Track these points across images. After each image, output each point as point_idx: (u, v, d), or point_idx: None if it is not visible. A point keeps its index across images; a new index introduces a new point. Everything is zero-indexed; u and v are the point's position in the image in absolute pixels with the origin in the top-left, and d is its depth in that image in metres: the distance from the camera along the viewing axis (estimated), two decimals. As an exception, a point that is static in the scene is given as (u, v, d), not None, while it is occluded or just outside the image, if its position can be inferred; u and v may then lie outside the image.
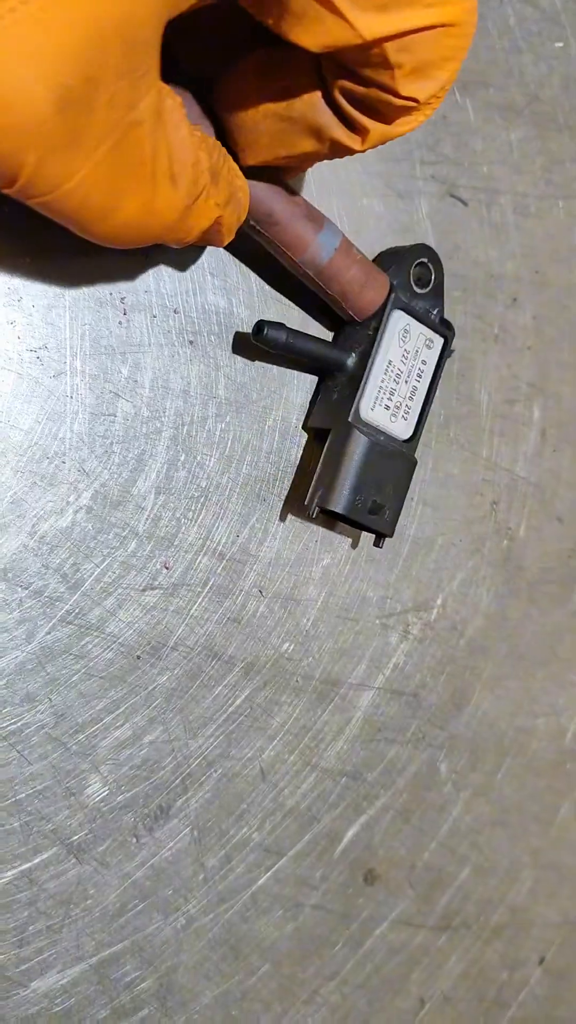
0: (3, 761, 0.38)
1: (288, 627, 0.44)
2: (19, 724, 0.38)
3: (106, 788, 0.40)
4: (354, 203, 0.44)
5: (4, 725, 0.38)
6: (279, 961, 0.45)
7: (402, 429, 0.43)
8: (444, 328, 0.43)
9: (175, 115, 0.28)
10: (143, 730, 0.41)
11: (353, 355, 0.42)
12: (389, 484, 0.42)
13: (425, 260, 0.43)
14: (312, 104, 0.32)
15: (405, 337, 0.42)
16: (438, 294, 0.43)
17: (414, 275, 0.43)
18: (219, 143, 0.32)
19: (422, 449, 0.47)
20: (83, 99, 0.24)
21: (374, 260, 0.44)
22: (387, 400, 0.42)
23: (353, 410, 0.41)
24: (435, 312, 0.43)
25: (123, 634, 0.40)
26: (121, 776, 0.41)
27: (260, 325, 0.40)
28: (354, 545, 0.45)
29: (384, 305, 0.41)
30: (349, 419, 0.41)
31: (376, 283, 0.41)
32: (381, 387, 0.42)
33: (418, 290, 0.43)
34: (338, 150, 0.33)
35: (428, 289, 0.43)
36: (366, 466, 0.41)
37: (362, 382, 0.41)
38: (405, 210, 0.45)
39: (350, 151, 0.33)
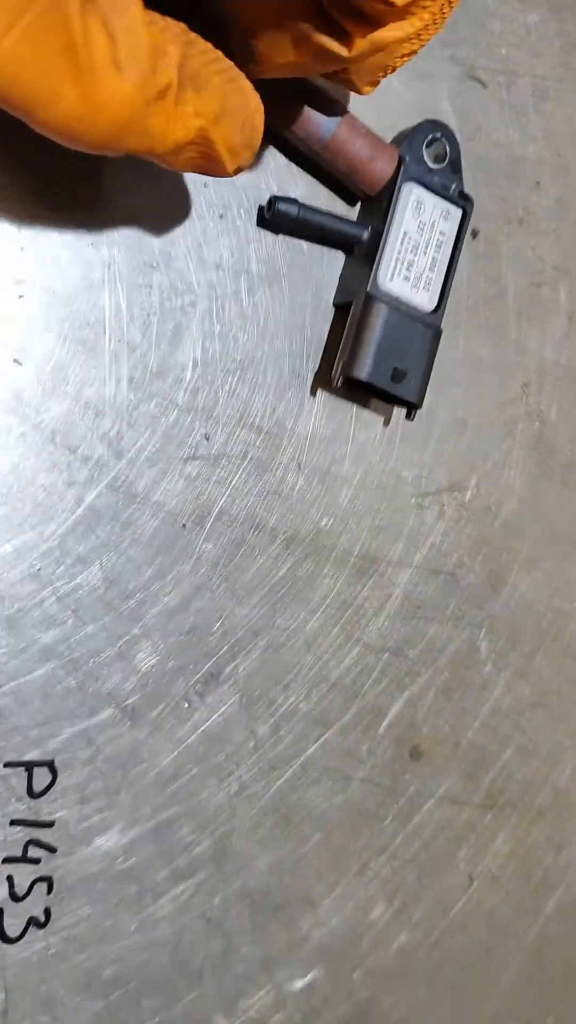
0: (59, 620, 0.41)
1: (326, 502, 0.47)
2: (72, 585, 0.41)
3: (157, 654, 0.43)
4: (376, 85, 0.46)
5: (59, 585, 0.41)
6: (330, 832, 0.47)
7: (425, 300, 0.45)
8: (462, 200, 0.45)
9: None
10: (190, 597, 0.44)
11: (369, 229, 0.45)
12: (412, 352, 0.44)
13: (439, 135, 0.45)
14: (302, 9, 0.32)
15: (419, 208, 0.44)
16: (455, 169, 0.46)
17: (430, 151, 0.45)
18: (216, 49, 0.31)
19: (452, 331, 0.49)
20: None
21: (392, 142, 0.47)
22: (406, 271, 0.44)
23: (371, 280, 0.43)
24: (453, 187, 0.45)
25: (168, 503, 0.43)
26: (171, 642, 0.43)
27: (272, 200, 0.43)
28: (387, 423, 0.48)
29: (395, 177, 0.44)
30: (368, 289, 0.43)
31: (384, 155, 0.44)
32: (398, 258, 0.44)
33: (434, 166, 0.45)
34: (327, 58, 0.33)
35: (444, 164, 0.45)
36: (386, 333, 0.43)
37: (378, 253, 0.43)
38: (426, 92, 0.48)
39: (339, 59, 0.33)
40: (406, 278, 0.44)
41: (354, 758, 0.48)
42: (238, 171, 0.33)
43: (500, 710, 0.52)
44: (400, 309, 0.44)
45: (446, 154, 0.45)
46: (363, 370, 0.43)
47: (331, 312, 0.46)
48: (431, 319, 0.45)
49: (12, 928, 0.41)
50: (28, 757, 0.41)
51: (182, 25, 0.30)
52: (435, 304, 0.45)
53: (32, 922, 0.41)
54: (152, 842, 0.43)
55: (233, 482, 0.44)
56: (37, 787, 0.41)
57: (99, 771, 0.42)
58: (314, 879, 0.47)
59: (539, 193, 0.52)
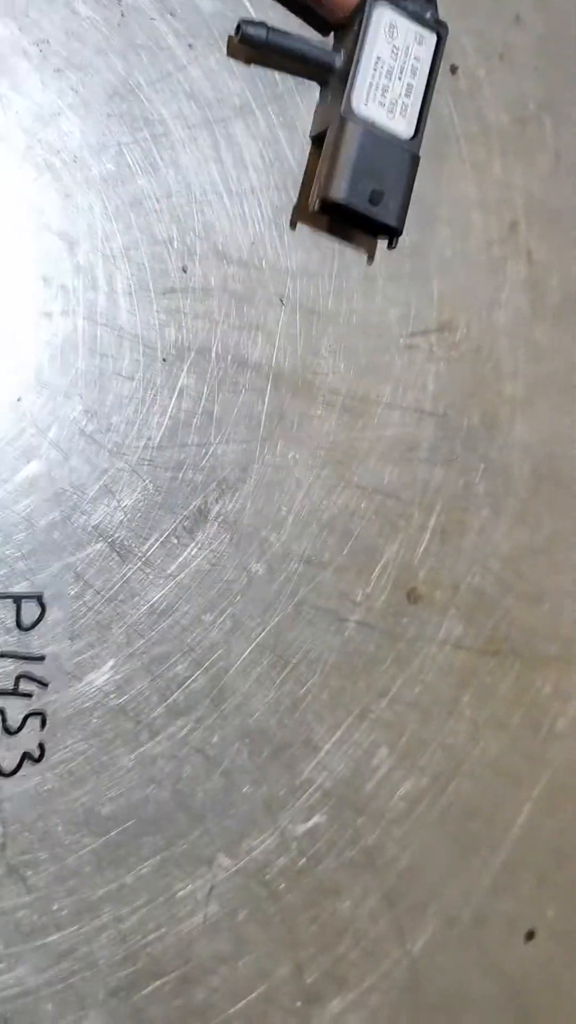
0: (41, 452, 0.41)
1: (311, 339, 0.47)
2: (52, 417, 0.41)
3: (143, 488, 0.43)
4: None
5: (39, 416, 0.41)
6: (327, 673, 0.48)
7: (403, 127, 0.44)
8: (436, 25, 0.45)
9: None
10: (173, 432, 0.44)
11: (342, 54, 0.44)
12: (390, 174, 0.44)
13: (411, -41, 0.44)
14: None
15: (392, 33, 0.44)
16: (429, -1, 0.45)
17: (403, -24, 0.44)
18: None
19: (435, 168, 0.49)
20: None
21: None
22: (380, 96, 0.44)
23: (344, 103, 0.43)
24: (428, 14, 0.45)
25: (146, 335, 0.43)
26: (157, 477, 0.43)
27: (240, 25, 0.43)
28: (370, 260, 0.47)
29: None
30: (341, 112, 0.43)
31: None
32: (372, 83, 0.44)
33: (407, -8, 0.44)
34: None
35: (418, -9, 0.45)
36: (362, 155, 0.43)
37: (350, 76, 0.43)
38: None
39: None
40: (381, 103, 0.44)
41: (349, 600, 0.48)
42: None
43: (499, 555, 0.52)
44: (376, 133, 0.43)
45: (419, -21, 0.45)
46: (340, 191, 0.43)
47: (308, 145, 0.46)
48: (409, 145, 0.44)
49: (6, 761, 0.42)
50: (16, 589, 0.41)
51: None
52: (413, 131, 0.45)
53: (26, 756, 0.42)
54: (146, 678, 0.44)
55: (213, 315, 0.44)
56: (26, 620, 0.41)
57: (89, 606, 0.42)
58: (314, 720, 0.48)
59: (520, 29, 0.51)
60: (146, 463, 0.43)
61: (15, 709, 0.41)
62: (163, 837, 0.45)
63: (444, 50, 0.45)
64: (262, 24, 0.43)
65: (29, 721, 0.42)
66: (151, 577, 0.43)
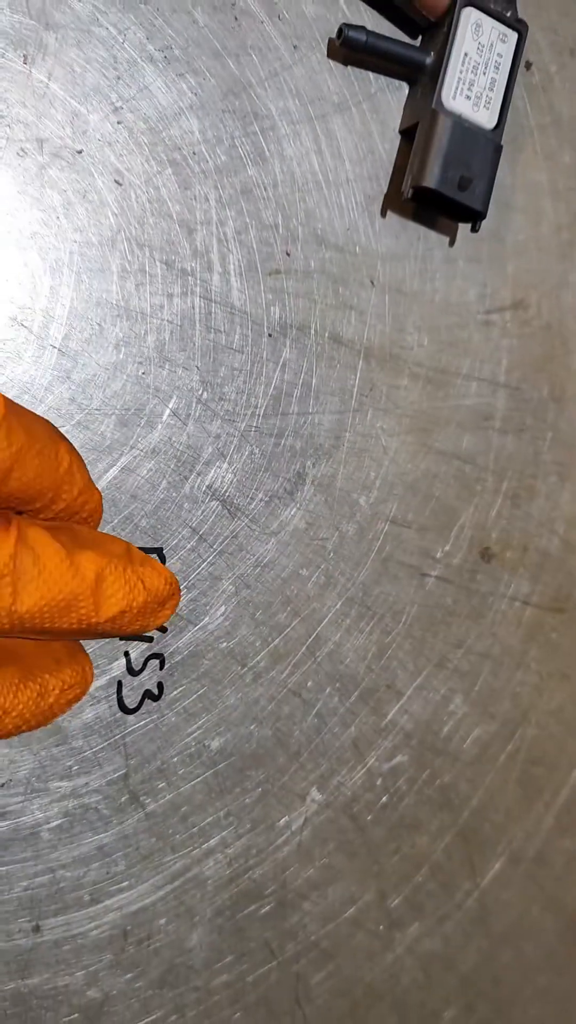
0: (163, 421, 0.48)
1: (398, 317, 0.53)
2: (173, 388, 0.48)
3: (250, 453, 0.50)
4: None
5: (162, 388, 0.48)
6: (410, 624, 0.55)
7: (486, 118, 0.51)
8: (517, 24, 0.51)
9: None
10: (277, 401, 0.50)
11: (432, 54, 0.51)
12: (476, 162, 0.50)
13: (494, -37, 0.51)
14: None
15: (478, 31, 0.50)
16: (509, -1, 0.52)
17: (485, -22, 0.51)
18: None
19: (510, 158, 0.55)
20: None
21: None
22: (467, 91, 0.50)
23: (435, 98, 0.50)
24: (508, 13, 0.51)
25: (255, 312, 0.50)
26: (263, 443, 0.50)
27: (342, 28, 0.49)
28: (452, 243, 0.54)
29: (454, 2, 0.50)
30: (432, 105, 0.50)
31: None
32: (460, 78, 0.50)
33: (489, -8, 0.51)
34: None
35: (499, -8, 0.51)
36: (452, 145, 0.50)
37: (441, 72, 0.50)
38: None
39: None
40: (467, 97, 0.50)
41: (430, 557, 0.55)
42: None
43: (566, 519, 0.59)
44: (463, 124, 0.50)
45: (500, -18, 0.51)
46: (432, 178, 0.49)
47: (398, 139, 0.53)
48: (492, 135, 0.51)
49: (129, 699, 0.48)
50: (140, 544, 0.48)
51: None
52: (495, 121, 0.51)
53: (147, 695, 0.49)
54: (252, 625, 0.51)
55: (313, 295, 0.51)
56: (148, 572, 0.48)
57: (202, 558, 0.49)
58: (397, 667, 0.54)
59: (589, 24, 0.58)
60: (253, 430, 0.50)
61: (137, 652, 0.48)
62: (264, 771, 0.52)
63: (524, 46, 0.52)
64: (362, 28, 0.49)
65: (150, 663, 0.49)
66: (256, 533, 0.50)
